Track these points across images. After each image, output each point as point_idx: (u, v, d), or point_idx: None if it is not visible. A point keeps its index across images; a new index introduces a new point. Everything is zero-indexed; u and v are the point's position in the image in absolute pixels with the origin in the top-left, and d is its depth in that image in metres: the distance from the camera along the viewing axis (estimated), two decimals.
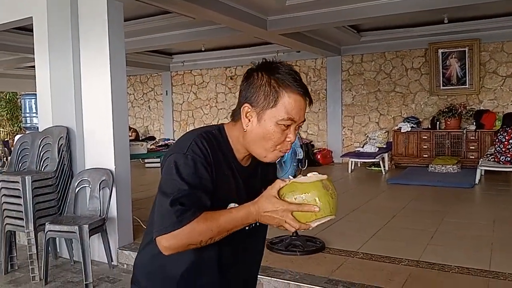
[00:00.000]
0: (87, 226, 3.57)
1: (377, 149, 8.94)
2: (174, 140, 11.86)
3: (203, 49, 10.55)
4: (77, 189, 4.00)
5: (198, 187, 1.11)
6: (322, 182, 1.11)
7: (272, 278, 3.28)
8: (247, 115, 1.20)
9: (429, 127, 9.11)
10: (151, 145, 7.36)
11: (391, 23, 8.69)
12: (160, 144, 10.76)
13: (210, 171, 1.15)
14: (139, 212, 5.17)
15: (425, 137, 8.91)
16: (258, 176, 1.34)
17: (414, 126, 9.13)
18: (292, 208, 1.08)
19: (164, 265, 1.26)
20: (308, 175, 1.14)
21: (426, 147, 8.90)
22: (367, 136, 9.80)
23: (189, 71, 12.58)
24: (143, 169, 10.00)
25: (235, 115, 1.25)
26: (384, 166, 8.71)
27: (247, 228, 1.19)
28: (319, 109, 10.59)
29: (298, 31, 7.83)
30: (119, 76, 4.11)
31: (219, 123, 1.34)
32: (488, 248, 3.87)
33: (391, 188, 7.13)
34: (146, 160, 10.06)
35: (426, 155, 8.85)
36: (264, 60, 1.24)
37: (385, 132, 9.52)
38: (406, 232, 4.46)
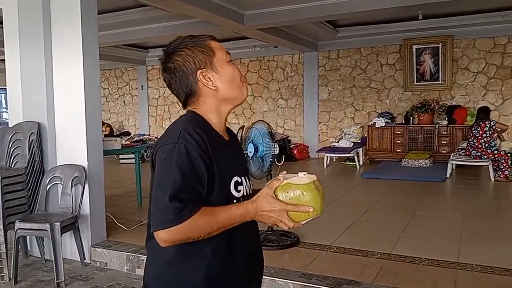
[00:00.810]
0: (58, 223, 3.51)
1: (352, 144, 9.06)
2: (149, 136, 11.74)
3: None
4: (48, 186, 3.92)
5: (193, 176, 1.12)
6: (314, 183, 1.18)
7: None
8: (206, 78, 1.26)
9: (403, 122, 9.28)
10: (125, 141, 7.24)
11: (367, 19, 8.78)
12: (135, 139, 10.62)
13: (206, 155, 1.15)
14: (113, 209, 5.12)
15: (399, 132, 9.08)
16: (239, 145, 1.45)
17: (388, 121, 9.28)
18: (288, 208, 1.15)
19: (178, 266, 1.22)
20: (299, 175, 1.18)
21: (399, 142, 9.07)
22: (343, 131, 9.91)
23: None
24: (117, 165, 9.85)
25: (189, 100, 1.29)
26: (358, 161, 8.84)
27: (235, 201, 1.24)
28: (296, 105, 10.64)
29: (276, 26, 7.85)
30: (93, 70, 4.03)
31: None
32: (457, 240, 3.98)
33: (365, 183, 7.24)
34: (120, 156, 9.91)
35: (400, 150, 9.02)
36: (164, 50, 1.30)
37: (360, 127, 9.65)
38: (379, 226, 4.55)
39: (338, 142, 9.38)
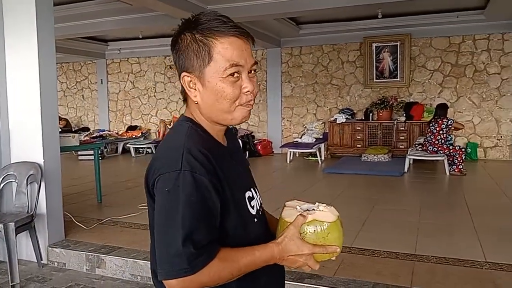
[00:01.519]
0: (13, 223, 3.37)
1: (314, 139, 9.20)
2: (109, 131, 11.48)
3: (140, 37, 10.23)
4: (2, 185, 3.76)
5: (207, 211, 0.95)
6: (339, 219, 1.07)
7: None
8: (189, 84, 1.04)
9: (363, 118, 9.51)
10: (84, 137, 7.05)
11: (328, 17, 8.92)
12: (94, 135, 10.37)
13: (216, 179, 0.98)
14: (71, 207, 4.97)
15: (359, 128, 9.29)
16: (240, 149, 1.27)
17: (348, 117, 9.48)
18: (316, 251, 1.03)
19: None
20: (320, 208, 1.08)
21: (359, 137, 9.28)
22: (305, 127, 10.04)
23: (126, 59, 12.16)
24: (75, 162, 9.57)
25: (184, 96, 1.10)
26: (320, 156, 8.99)
27: (255, 220, 1.11)
28: (260, 100, 10.67)
29: (238, 22, 7.77)
30: (48, 64, 3.87)
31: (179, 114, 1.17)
32: (415, 233, 4.12)
33: (326, 177, 7.37)
34: (79, 153, 9.62)
35: (360, 145, 9.24)
36: (182, 20, 1.06)
37: (322, 123, 9.81)
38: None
39: (301, 137, 9.51)
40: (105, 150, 10.54)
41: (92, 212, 5.03)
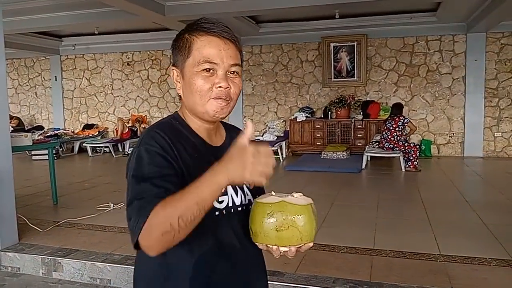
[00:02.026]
0: None
1: (276, 137, 9.28)
2: (65, 130, 11.10)
3: (96, 32, 9.94)
4: None
5: (155, 176, 0.99)
6: (312, 206, 1.06)
7: None
8: (176, 79, 1.15)
9: (322, 116, 9.68)
10: (38, 136, 6.79)
11: (287, 16, 9.00)
12: (48, 134, 10.02)
13: (171, 158, 1.03)
14: (25, 210, 4.78)
15: (318, 126, 9.46)
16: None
17: (308, 115, 9.63)
18: (261, 150, 0.94)
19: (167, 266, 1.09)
20: (295, 195, 1.07)
21: (319, 135, 9.45)
22: (267, 125, 10.11)
23: (81, 55, 11.79)
24: (29, 162, 9.18)
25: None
26: (282, 154, 9.08)
27: (217, 213, 1.09)
28: None
29: (198, 19, 7.74)
30: None
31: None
32: (373, 228, 4.25)
33: (288, 175, 7.45)
34: (33, 152, 9.23)
35: (319, 143, 9.41)
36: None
37: (282, 121, 9.91)
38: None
39: (262, 136, 9.56)
40: (61, 149, 10.18)
41: (47, 214, 4.85)
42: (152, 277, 1.11)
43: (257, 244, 1.08)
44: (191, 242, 1.02)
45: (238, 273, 1.15)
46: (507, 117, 8.93)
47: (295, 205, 1.02)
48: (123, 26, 9.87)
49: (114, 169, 8.61)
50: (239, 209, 1.15)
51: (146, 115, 11.30)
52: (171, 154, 1.04)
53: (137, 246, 0.96)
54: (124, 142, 10.45)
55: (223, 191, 0.98)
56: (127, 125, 10.70)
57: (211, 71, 1.08)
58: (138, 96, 11.44)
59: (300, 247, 1.04)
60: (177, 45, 1.13)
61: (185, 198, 0.93)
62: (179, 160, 1.05)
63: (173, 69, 1.15)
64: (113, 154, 10.04)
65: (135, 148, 1.07)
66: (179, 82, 1.14)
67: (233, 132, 1.25)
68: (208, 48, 1.08)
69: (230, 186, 1.12)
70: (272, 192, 1.09)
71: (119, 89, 11.58)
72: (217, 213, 1.10)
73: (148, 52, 11.18)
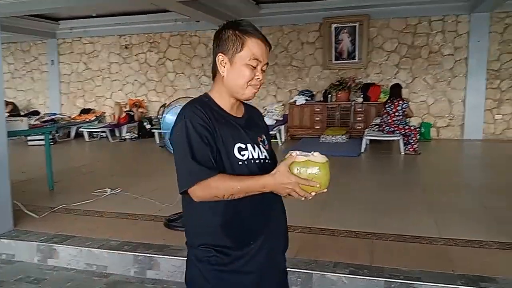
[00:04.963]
0: None
1: (275, 121, 9.18)
2: (61, 115, 11.02)
3: (94, 15, 9.77)
4: None
5: (203, 143, 1.38)
6: (328, 163, 1.39)
7: (169, 257, 3.20)
8: (222, 63, 1.47)
9: (322, 99, 9.57)
10: (35, 121, 6.71)
11: None
12: (45, 119, 9.93)
13: (208, 126, 1.41)
14: (21, 196, 4.72)
15: (318, 109, 9.36)
16: (257, 124, 1.62)
17: (308, 99, 9.52)
18: (301, 182, 1.35)
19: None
20: (314, 154, 1.38)
21: (318, 119, 9.36)
22: (265, 109, 9.98)
23: (79, 39, 11.62)
24: (25, 147, 9.09)
25: (213, 73, 1.52)
26: (281, 138, 9.00)
27: (240, 163, 1.46)
28: None
29: (197, 0, 7.60)
30: None
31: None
32: (373, 211, 4.20)
33: None
34: (29, 138, 9.14)
35: (319, 126, 9.32)
36: (227, 21, 1.51)
37: (282, 105, 9.80)
38: (300, 201, 4.64)
39: None
40: (57, 134, 10.10)
41: (43, 200, 4.80)
42: (201, 211, 1.47)
43: None
44: None
45: (258, 209, 1.50)
46: (508, 99, 8.83)
47: (316, 162, 1.37)
48: (121, 8, 9.70)
49: (111, 154, 8.56)
50: (257, 161, 1.50)
51: (143, 100, 11.19)
52: (208, 122, 1.41)
53: (181, 192, 1.40)
54: (121, 127, 10.36)
55: (244, 147, 1.47)
56: (124, 110, 10.60)
57: (255, 65, 1.46)
58: (135, 80, 11.31)
59: (317, 192, 1.39)
60: (228, 38, 1.45)
61: (239, 185, 1.36)
62: (213, 125, 1.42)
63: (220, 55, 1.47)
64: (110, 139, 9.96)
65: (180, 120, 1.42)
66: (224, 67, 1.47)
67: (250, 108, 1.64)
68: (257, 49, 1.45)
69: (249, 144, 1.50)
70: (297, 151, 1.40)
71: (117, 73, 11.44)
72: (240, 163, 1.46)
73: (146, 35, 11.01)
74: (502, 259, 3.06)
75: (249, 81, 1.46)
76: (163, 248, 3.34)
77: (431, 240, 3.39)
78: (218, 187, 1.35)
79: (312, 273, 2.93)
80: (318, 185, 1.36)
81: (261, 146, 1.56)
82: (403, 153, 7.40)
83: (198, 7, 7.97)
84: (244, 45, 1.44)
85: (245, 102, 1.60)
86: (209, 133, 1.40)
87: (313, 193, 1.39)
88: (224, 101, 1.52)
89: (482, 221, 3.85)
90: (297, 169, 1.36)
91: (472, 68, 8.84)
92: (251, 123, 1.60)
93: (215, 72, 1.52)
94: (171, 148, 1.50)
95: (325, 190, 1.40)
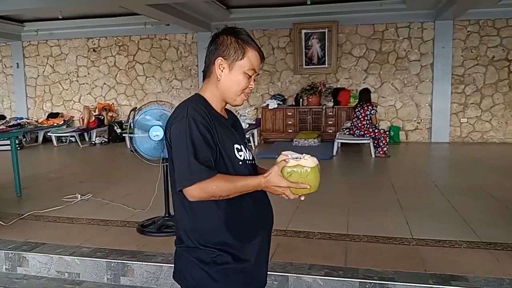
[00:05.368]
0: None
1: (248, 125, 9.19)
2: (28, 119, 10.68)
3: (60, 17, 9.54)
4: None
5: (204, 142, 1.41)
6: (318, 166, 1.48)
7: (143, 263, 3.16)
8: (220, 66, 1.52)
9: (293, 104, 9.67)
10: (0, 125, 6.48)
11: (259, 1, 8.88)
12: (11, 123, 9.60)
13: (210, 126, 1.44)
14: None
15: (290, 113, 9.45)
16: (240, 126, 1.71)
17: (280, 103, 9.59)
18: (291, 185, 1.44)
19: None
20: (305, 157, 1.47)
21: (291, 122, 9.44)
22: (238, 113, 9.98)
23: (45, 41, 11.32)
24: None
25: (206, 74, 1.58)
26: (254, 142, 9.02)
27: (240, 163, 1.54)
28: (191, 86, 10.46)
29: (167, 3, 7.53)
30: None
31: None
32: (346, 213, 4.27)
33: (260, 163, 7.36)
34: None
35: (291, 130, 9.40)
36: (225, 26, 1.57)
37: (254, 109, 9.82)
38: (274, 204, 4.64)
39: None
40: (24, 139, 9.78)
41: (11, 207, 4.64)
42: (203, 210, 1.50)
43: None
44: None
45: (258, 204, 1.60)
46: (472, 103, 9.16)
47: (307, 167, 1.44)
48: (89, 10, 9.51)
49: (81, 159, 8.36)
50: (249, 162, 1.60)
51: (113, 103, 10.99)
52: (209, 123, 1.45)
53: (179, 189, 1.42)
54: (91, 131, 10.14)
55: (240, 148, 1.55)
56: (94, 114, 10.38)
57: (251, 74, 1.55)
58: (104, 83, 11.10)
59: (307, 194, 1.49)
60: (230, 45, 1.51)
61: (235, 185, 1.43)
62: (214, 126, 1.47)
63: (219, 58, 1.52)
64: (79, 144, 9.73)
65: (181, 118, 1.43)
66: (221, 71, 1.52)
67: (230, 112, 1.70)
68: (255, 60, 1.55)
69: (243, 147, 1.58)
70: (288, 152, 1.50)
71: (85, 76, 11.20)
72: (240, 163, 1.53)
73: (115, 38, 10.83)
74: (471, 257, 3.17)
75: (244, 89, 1.54)
76: (136, 254, 3.29)
77: (403, 241, 3.48)
78: (217, 187, 1.40)
79: (288, 275, 2.95)
80: (308, 187, 1.45)
81: (247, 147, 1.65)
82: (373, 156, 7.56)
83: (169, 11, 7.91)
84: (245, 54, 1.52)
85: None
86: (210, 134, 1.44)
87: (303, 197, 1.49)
88: (216, 103, 1.57)
89: (451, 221, 3.98)
90: (288, 173, 1.43)
91: (437, 74, 9.14)
92: (236, 125, 1.67)
93: (209, 73, 1.56)
94: (169, 146, 1.52)
95: (315, 191, 1.49)
